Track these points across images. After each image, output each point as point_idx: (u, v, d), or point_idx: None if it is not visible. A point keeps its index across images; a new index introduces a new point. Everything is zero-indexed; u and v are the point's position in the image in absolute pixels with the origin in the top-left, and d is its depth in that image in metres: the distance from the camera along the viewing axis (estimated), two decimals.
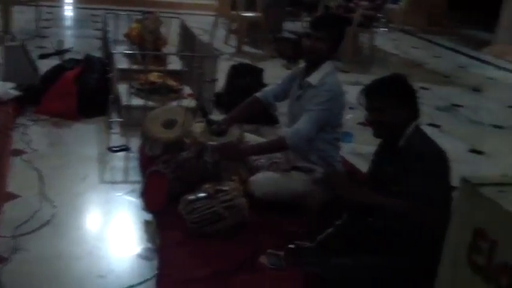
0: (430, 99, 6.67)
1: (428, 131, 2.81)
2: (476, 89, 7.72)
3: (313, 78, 3.53)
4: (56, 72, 5.13)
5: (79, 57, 5.50)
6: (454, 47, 10.88)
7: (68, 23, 9.86)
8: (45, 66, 5.41)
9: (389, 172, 2.80)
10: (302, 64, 3.74)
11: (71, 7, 11.18)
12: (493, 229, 1.53)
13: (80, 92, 4.91)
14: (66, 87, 4.90)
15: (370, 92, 2.83)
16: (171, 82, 5.06)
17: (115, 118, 4.84)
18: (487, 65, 9.56)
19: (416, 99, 2.84)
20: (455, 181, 1.94)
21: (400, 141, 2.75)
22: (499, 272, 1.50)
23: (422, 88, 7.14)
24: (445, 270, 1.70)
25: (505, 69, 9.20)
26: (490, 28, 10.87)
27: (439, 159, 2.69)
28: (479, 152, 5.12)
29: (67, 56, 5.58)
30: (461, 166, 4.26)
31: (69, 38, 8.04)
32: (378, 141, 2.99)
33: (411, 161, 2.66)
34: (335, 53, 3.63)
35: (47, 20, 9.01)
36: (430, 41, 11.34)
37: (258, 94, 3.89)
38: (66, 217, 3.33)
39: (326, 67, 3.54)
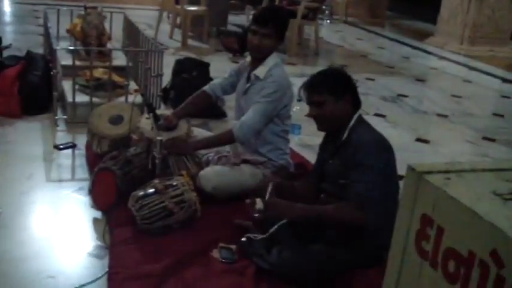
0: (375, 90, 6.78)
1: (374, 121, 2.86)
2: (420, 79, 7.87)
3: (260, 71, 3.55)
4: None
5: (20, 54, 5.38)
6: (397, 38, 11.05)
7: (7, 18, 9.60)
8: None
9: (335, 165, 2.84)
10: (248, 57, 3.75)
11: (9, 2, 10.90)
12: (439, 216, 1.56)
13: (22, 89, 4.81)
14: (7, 85, 4.79)
15: (308, 87, 2.86)
16: (117, 78, 5.00)
17: (60, 115, 4.76)
18: (430, 55, 9.75)
19: (356, 91, 2.88)
20: (402, 170, 1.97)
21: (343, 133, 2.79)
22: (447, 258, 1.53)
23: (368, 79, 7.24)
24: (395, 257, 1.73)
25: (447, 59, 9.39)
26: (432, 19, 11.08)
27: (379, 148, 2.73)
28: (424, 141, 5.22)
29: (7, 53, 5.44)
30: (408, 155, 4.36)
31: (8, 34, 7.82)
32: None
33: (352, 153, 2.70)
34: (280, 45, 3.64)
35: None
36: (373, 32, 11.49)
37: (205, 88, 3.88)
38: (12, 218, 3.25)
39: (272, 59, 3.56)
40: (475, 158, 4.92)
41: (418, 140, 5.23)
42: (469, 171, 1.69)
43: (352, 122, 2.79)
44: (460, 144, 5.28)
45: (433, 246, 1.57)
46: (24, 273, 2.77)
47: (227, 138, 3.56)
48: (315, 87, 2.84)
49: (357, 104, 2.86)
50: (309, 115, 2.91)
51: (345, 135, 2.78)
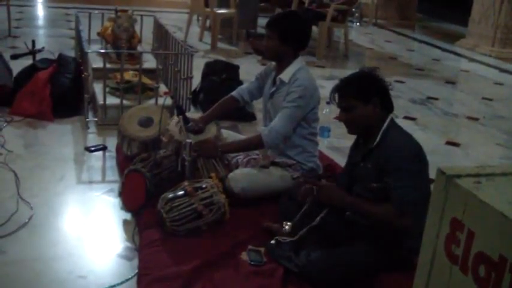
0: (405, 93, 6.73)
1: (404, 124, 2.84)
2: (450, 82, 7.79)
3: (285, 75, 3.56)
4: (28, 73, 5.08)
5: (52, 57, 5.45)
6: (427, 40, 10.97)
7: (40, 22, 9.74)
8: (16, 66, 5.35)
9: (366, 168, 2.81)
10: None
11: (42, 6, 11.06)
12: (469, 220, 1.55)
13: (54, 92, 4.87)
14: (40, 88, 4.86)
15: (338, 92, 2.84)
16: (147, 80, 5.05)
17: (91, 118, 4.81)
18: (460, 57, 9.66)
19: (386, 93, 2.83)
20: (432, 173, 1.96)
21: (376, 137, 2.77)
22: (477, 263, 1.52)
23: (398, 81, 7.20)
24: (424, 261, 1.72)
25: (477, 61, 9.29)
26: (462, 21, 10.97)
27: (413, 152, 2.70)
28: (454, 144, 5.17)
29: (40, 56, 5.52)
30: (438, 158, 4.32)
31: (41, 38, 7.96)
32: (355, 135, 3.01)
33: (386, 158, 2.67)
34: (299, 49, 3.61)
35: (18, 19, 8.92)
36: (403, 35, 11.42)
37: (233, 93, 3.90)
38: (44, 218, 3.30)
39: (296, 63, 3.57)
40: (506, 161, 4.87)
41: (448, 143, 5.18)
42: (499, 174, 1.67)
43: (385, 125, 2.76)
44: (490, 147, 5.22)
45: (463, 251, 1.56)
46: (55, 272, 2.81)
47: (256, 143, 3.57)
48: (342, 92, 2.82)
49: (387, 107, 2.83)
50: (339, 119, 2.90)
51: (378, 139, 2.76)
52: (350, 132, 2.91)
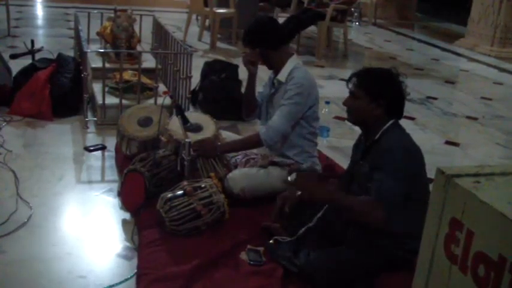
0: None
1: (403, 123, 2.82)
2: (449, 81, 7.79)
3: (281, 76, 3.57)
4: (28, 72, 5.07)
5: (51, 56, 5.45)
6: (426, 40, 10.97)
7: (39, 22, 9.73)
8: (16, 66, 5.35)
9: (364, 167, 2.81)
10: None
11: (41, 5, 11.05)
12: (469, 220, 1.55)
13: (53, 91, 4.87)
14: (39, 87, 4.85)
15: (355, 75, 2.83)
16: (146, 80, 5.04)
17: (90, 117, 4.81)
18: (460, 57, 9.66)
19: (400, 102, 2.81)
20: (431, 173, 1.95)
21: (375, 134, 2.76)
22: (476, 262, 1.52)
23: None
24: (423, 261, 1.72)
25: (477, 61, 9.29)
26: (462, 21, 10.96)
27: (407, 156, 2.67)
28: (454, 144, 5.17)
29: (39, 56, 5.51)
30: (437, 158, 4.33)
31: (40, 37, 7.95)
32: (355, 135, 3.00)
33: (379, 157, 2.67)
34: (277, 47, 3.58)
35: (17, 19, 8.91)
36: (402, 34, 11.41)
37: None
38: (43, 218, 3.30)
39: (291, 63, 3.57)
40: (506, 161, 4.87)
41: (448, 142, 5.18)
42: (499, 174, 1.67)
43: (386, 126, 2.75)
44: (490, 147, 5.22)
45: (463, 250, 1.56)
46: (55, 272, 2.81)
47: (254, 142, 3.56)
48: (358, 79, 2.81)
49: (394, 113, 2.80)
50: (343, 102, 2.89)
51: (377, 136, 2.75)
52: (347, 118, 2.90)
